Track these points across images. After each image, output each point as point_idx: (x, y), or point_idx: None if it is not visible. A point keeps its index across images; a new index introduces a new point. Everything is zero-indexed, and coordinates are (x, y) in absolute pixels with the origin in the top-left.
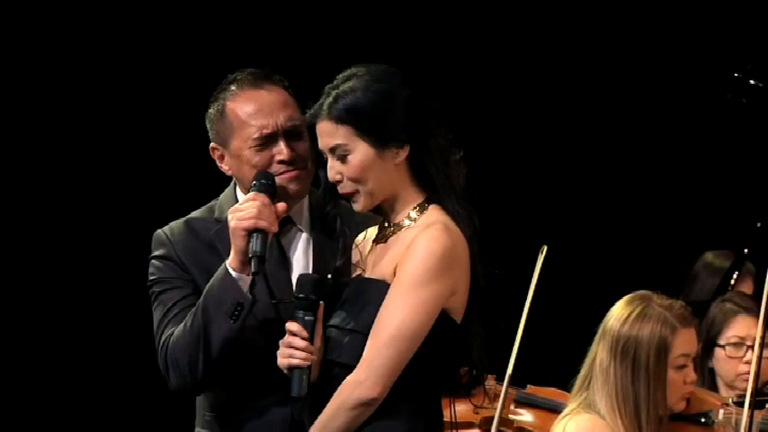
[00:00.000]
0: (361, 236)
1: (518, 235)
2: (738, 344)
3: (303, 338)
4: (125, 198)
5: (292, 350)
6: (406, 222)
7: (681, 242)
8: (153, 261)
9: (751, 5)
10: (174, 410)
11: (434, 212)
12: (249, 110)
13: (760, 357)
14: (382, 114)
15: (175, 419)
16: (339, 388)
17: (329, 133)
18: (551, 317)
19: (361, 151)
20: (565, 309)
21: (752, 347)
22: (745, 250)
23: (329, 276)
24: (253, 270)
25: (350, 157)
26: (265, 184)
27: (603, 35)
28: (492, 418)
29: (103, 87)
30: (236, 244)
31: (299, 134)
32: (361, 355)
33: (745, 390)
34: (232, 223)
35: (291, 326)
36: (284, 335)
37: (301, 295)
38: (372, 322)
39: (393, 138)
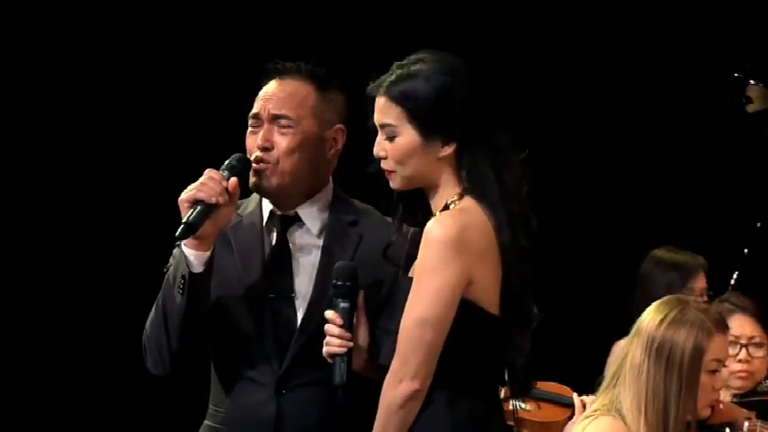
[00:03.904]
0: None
1: None
2: (732, 342)
3: (338, 325)
4: (127, 198)
5: (329, 337)
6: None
7: (679, 243)
8: None
9: (751, 5)
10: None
11: (464, 203)
12: (258, 95)
13: None
14: (435, 107)
15: (190, 412)
16: (382, 392)
17: (383, 110)
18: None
19: (407, 136)
20: (561, 309)
21: (746, 346)
22: (746, 250)
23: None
24: (175, 234)
25: (397, 139)
26: (229, 165)
27: (603, 35)
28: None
29: (106, 87)
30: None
31: (286, 127)
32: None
33: (739, 388)
34: (179, 199)
35: (327, 313)
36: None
37: (338, 282)
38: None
39: (440, 132)
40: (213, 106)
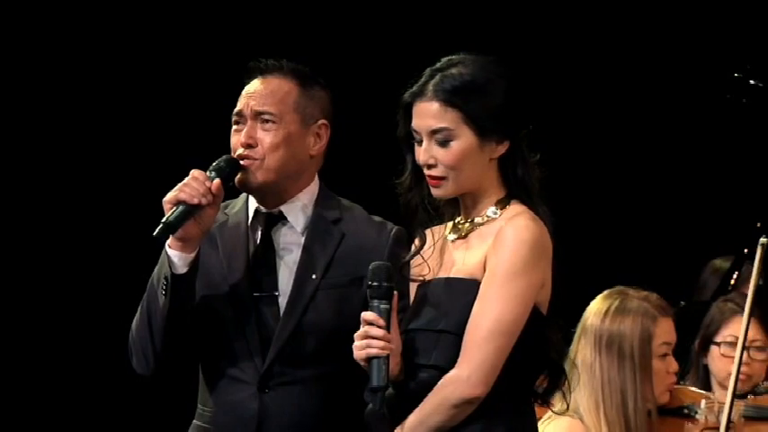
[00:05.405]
0: (429, 239)
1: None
2: (734, 343)
3: (380, 327)
4: (117, 198)
5: (369, 339)
6: (490, 215)
7: (679, 243)
8: None
9: (751, 5)
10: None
11: (517, 207)
12: (242, 93)
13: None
14: (489, 106)
15: (181, 412)
16: (439, 384)
17: (435, 115)
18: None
19: (464, 139)
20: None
21: (747, 348)
22: (745, 250)
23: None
24: (153, 233)
25: (452, 143)
26: (216, 166)
27: (603, 35)
28: None
29: (104, 87)
30: None
31: (269, 123)
32: (454, 356)
33: (738, 389)
34: (163, 200)
35: (367, 315)
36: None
37: (375, 283)
38: (464, 321)
39: (495, 131)
40: (204, 107)
